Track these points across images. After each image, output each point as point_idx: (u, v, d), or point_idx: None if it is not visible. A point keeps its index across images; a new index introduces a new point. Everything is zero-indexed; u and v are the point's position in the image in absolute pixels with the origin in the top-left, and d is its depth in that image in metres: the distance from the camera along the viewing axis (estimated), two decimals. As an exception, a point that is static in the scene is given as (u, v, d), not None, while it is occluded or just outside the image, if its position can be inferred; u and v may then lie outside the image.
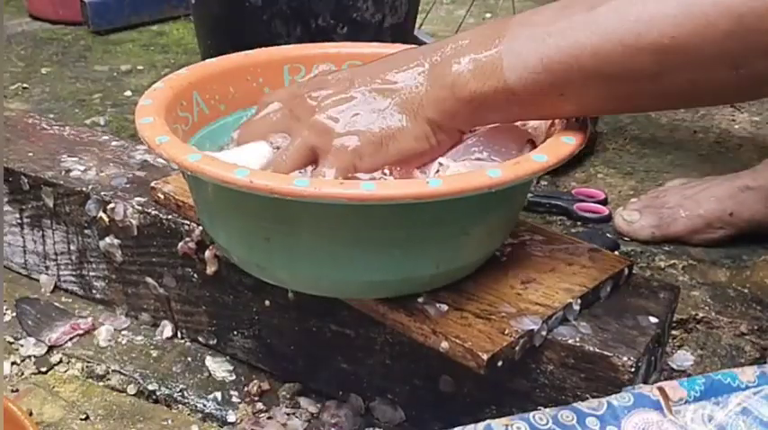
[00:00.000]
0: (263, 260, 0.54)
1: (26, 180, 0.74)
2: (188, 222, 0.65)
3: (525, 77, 0.48)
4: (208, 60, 0.65)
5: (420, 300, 0.54)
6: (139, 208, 0.68)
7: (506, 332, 0.51)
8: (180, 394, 0.65)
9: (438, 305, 0.53)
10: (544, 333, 0.53)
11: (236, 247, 0.56)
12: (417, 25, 1.19)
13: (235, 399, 0.65)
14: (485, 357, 0.49)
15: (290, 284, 0.57)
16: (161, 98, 0.57)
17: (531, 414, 0.45)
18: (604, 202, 0.94)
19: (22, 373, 0.68)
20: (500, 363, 0.50)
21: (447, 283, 0.55)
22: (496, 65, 0.49)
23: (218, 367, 0.68)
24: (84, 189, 0.71)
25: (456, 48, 0.51)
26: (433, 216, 0.49)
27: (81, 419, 0.63)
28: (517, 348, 0.51)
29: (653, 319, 0.55)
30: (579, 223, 0.91)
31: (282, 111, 0.55)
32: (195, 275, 0.67)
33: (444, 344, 0.51)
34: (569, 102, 0.50)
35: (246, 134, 0.57)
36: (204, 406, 0.64)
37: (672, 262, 0.83)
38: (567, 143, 0.51)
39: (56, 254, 0.76)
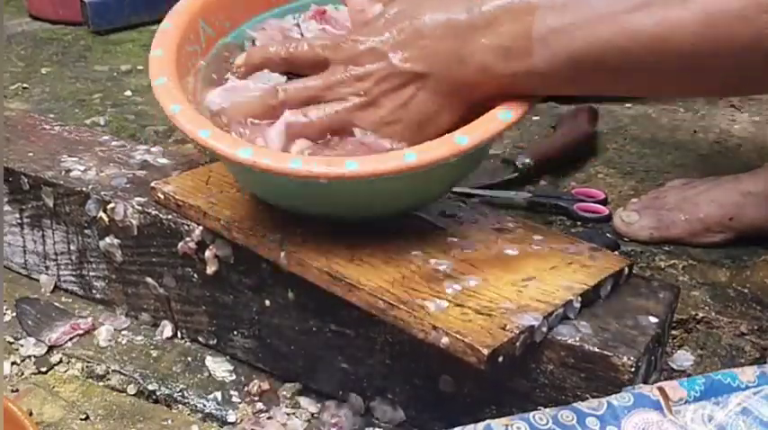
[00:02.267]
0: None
1: (26, 180, 0.74)
2: (188, 222, 0.65)
3: (554, 65, 0.51)
4: None
5: (421, 296, 0.54)
6: (139, 208, 0.68)
7: (507, 328, 0.51)
8: (180, 394, 0.65)
9: (438, 301, 0.53)
10: (545, 329, 0.53)
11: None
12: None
13: (235, 399, 0.65)
14: (485, 352, 0.49)
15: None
16: (170, 44, 0.59)
17: (531, 414, 0.45)
18: (604, 202, 0.94)
19: (22, 373, 0.68)
20: (501, 359, 0.50)
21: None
22: (527, 52, 0.51)
23: (218, 367, 0.68)
24: (84, 189, 0.71)
25: (485, 24, 0.51)
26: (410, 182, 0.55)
27: (81, 419, 0.63)
28: (518, 344, 0.51)
29: (653, 319, 0.55)
30: (579, 223, 0.91)
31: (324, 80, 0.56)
32: (195, 275, 0.67)
33: (445, 340, 0.51)
34: (592, 88, 0.53)
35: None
36: (204, 406, 0.64)
37: (672, 262, 0.83)
38: (502, 120, 0.54)
39: (56, 254, 0.76)
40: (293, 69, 0.58)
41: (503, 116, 0.53)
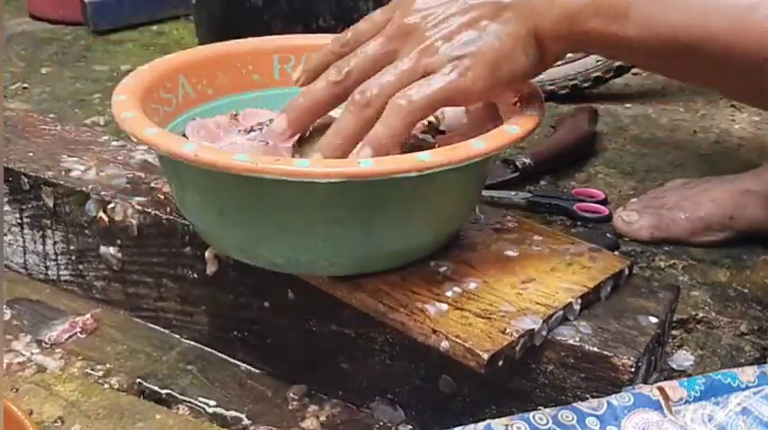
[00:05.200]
0: (220, 234, 0.58)
1: (26, 180, 0.74)
2: (188, 222, 0.65)
3: (646, 39, 0.48)
4: (197, 47, 0.66)
5: (420, 299, 0.54)
6: (139, 208, 0.68)
7: (507, 331, 0.51)
8: (180, 394, 0.65)
9: (438, 304, 0.53)
10: (544, 332, 0.53)
11: (199, 221, 0.60)
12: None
13: (235, 399, 0.65)
14: (485, 356, 0.49)
15: (248, 258, 0.59)
16: (142, 79, 0.60)
17: (531, 414, 0.45)
18: (604, 202, 0.94)
19: (23, 373, 0.68)
20: (500, 363, 0.50)
21: (400, 265, 0.56)
22: (623, 14, 0.48)
23: (218, 367, 0.68)
24: (84, 189, 0.71)
25: None
26: (368, 196, 0.51)
27: (81, 419, 0.63)
28: (518, 347, 0.51)
29: (653, 319, 0.55)
30: (579, 223, 0.91)
31: (383, 37, 0.54)
32: (195, 275, 0.67)
33: (445, 344, 0.51)
34: (673, 70, 0.53)
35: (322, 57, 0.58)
36: (204, 406, 0.64)
37: (672, 262, 0.83)
38: (509, 132, 0.53)
39: (56, 254, 0.76)
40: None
41: (510, 129, 0.53)
